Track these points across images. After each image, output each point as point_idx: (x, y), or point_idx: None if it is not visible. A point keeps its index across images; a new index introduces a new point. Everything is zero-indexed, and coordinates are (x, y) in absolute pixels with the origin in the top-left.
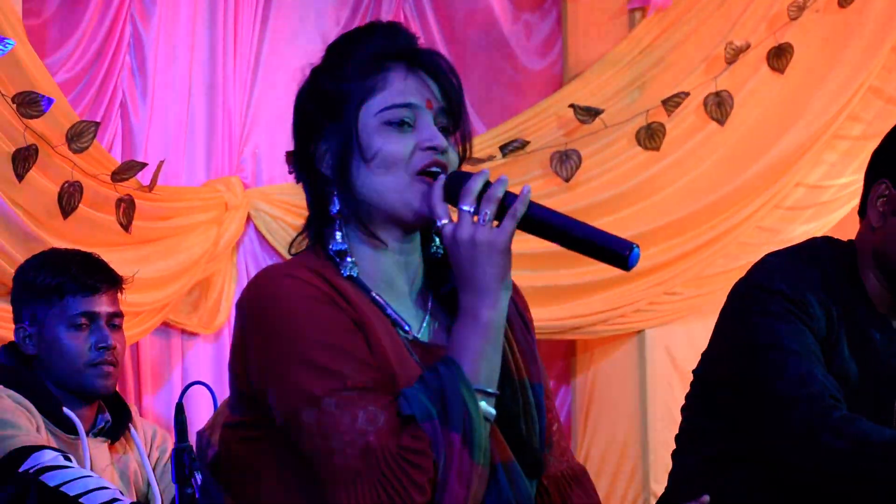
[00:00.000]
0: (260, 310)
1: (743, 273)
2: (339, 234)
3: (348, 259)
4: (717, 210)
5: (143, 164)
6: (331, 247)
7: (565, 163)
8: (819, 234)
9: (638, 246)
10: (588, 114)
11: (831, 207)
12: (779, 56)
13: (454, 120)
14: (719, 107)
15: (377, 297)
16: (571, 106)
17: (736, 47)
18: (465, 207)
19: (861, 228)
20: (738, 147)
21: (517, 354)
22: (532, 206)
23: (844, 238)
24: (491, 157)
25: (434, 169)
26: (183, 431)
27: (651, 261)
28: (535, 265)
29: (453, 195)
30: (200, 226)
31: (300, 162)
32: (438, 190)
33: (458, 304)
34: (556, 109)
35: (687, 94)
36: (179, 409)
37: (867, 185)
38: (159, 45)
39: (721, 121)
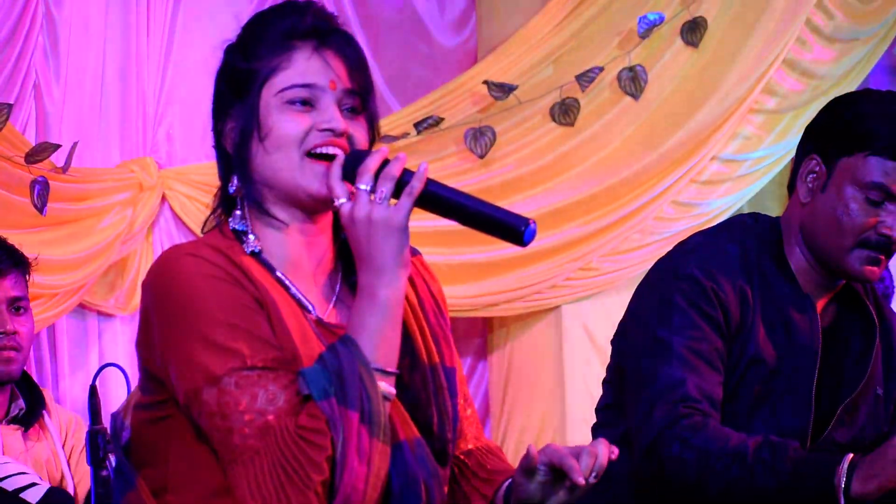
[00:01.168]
0: (161, 289)
1: (658, 247)
2: (238, 213)
3: (250, 236)
4: (632, 185)
5: (57, 146)
6: (231, 225)
7: (480, 139)
8: (735, 208)
9: (534, 222)
10: (502, 90)
11: (747, 181)
12: (692, 30)
13: (362, 102)
14: (633, 81)
15: (281, 277)
16: (485, 82)
17: (649, 21)
18: (363, 186)
19: (789, 204)
20: (653, 122)
21: (429, 338)
22: (430, 183)
23: (761, 211)
24: (405, 135)
25: (327, 150)
26: (96, 414)
27: (567, 236)
28: (450, 243)
29: (351, 174)
30: (115, 207)
31: (214, 140)
32: (337, 169)
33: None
34: (470, 86)
35: (601, 70)
36: (93, 392)
37: (797, 161)
38: (72, 26)
39: (635, 95)
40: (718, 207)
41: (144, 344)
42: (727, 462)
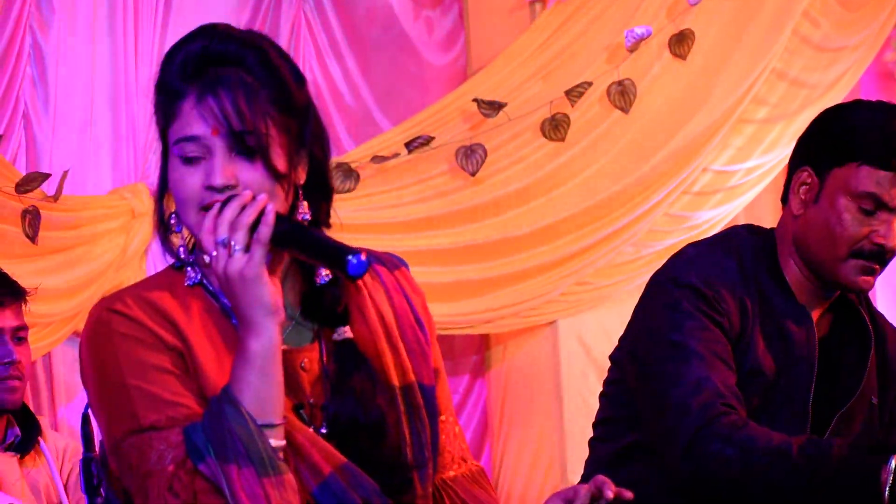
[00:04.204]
0: (83, 343)
1: (652, 259)
2: (181, 249)
3: (189, 271)
4: (625, 198)
5: (47, 175)
6: (180, 253)
7: (471, 157)
8: (727, 219)
9: (363, 256)
10: (492, 107)
11: (739, 191)
12: (680, 42)
13: (257, 140)
14: (623, 95)
15: (226, 304)
16: (475, 100)
17: (637, 35)
18: (219, 238)
19: (783, 216)
20: (644, 134)
21: (404, 357)
22: (281, 223)
23: (755, 222)
24: (396, 155)
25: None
26: (89, 441)
27: (561, 251)
28: (445, 261)
29: None
30: (108, 234)
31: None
32: (208, 222)
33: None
34: (459, 104)
35: (590, 84)
36: (85, 419)
37: (790, 173)
38: (60, 55)
39: (625, 109)
40: (711, 218)
41: None
42: (771, 459)
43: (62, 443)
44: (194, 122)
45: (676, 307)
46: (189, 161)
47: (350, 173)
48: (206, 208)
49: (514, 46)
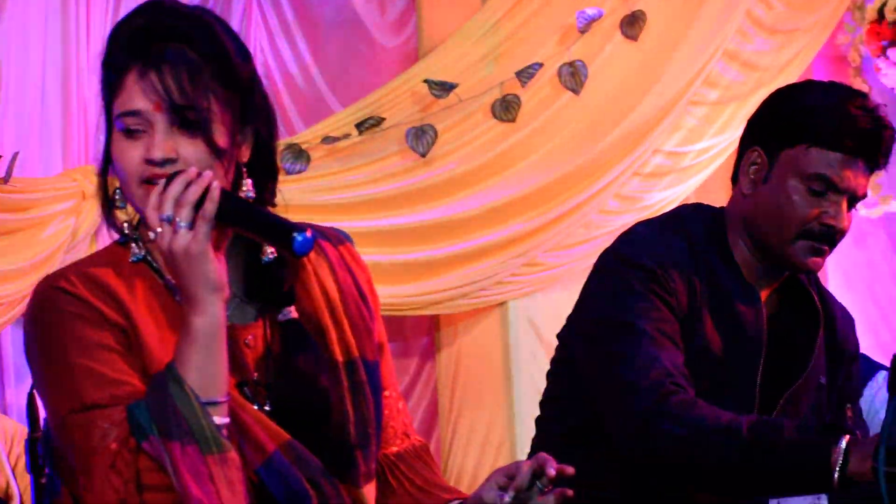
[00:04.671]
0: (27, 320)
1: (603, 241)
2: (126, 225)
3: (134, 247)
4: (575, 179)
5: None
6: (126, 231)
7: (421, 138)
8: (679, 200)
9: (309, 233)
10: (442, 88)
11: (690, 173)
12: (632, 24)
13: (197, 113)
14: (573, 76)
15: (169, 280)
16: (426, 81)
17: (588, 16)
18: (163, 215)
19: (732, 195)
20: (595, 116)
21: (348, 332)
22: (227, 201)
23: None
24: (347, 136)
25: (155, 182)
26: (35, 421)
27: (511, 232)
28: (395, 242)
29: None
30: (58, 216)
31: None
32: (154, 198)
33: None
34: (410, 85)
35: (541, 66)
36: (31, 399)
37: (740, 153)
38: (11, 37)
39: (576, 90)
40: (662, 199)
41: None
42: (721, 438)
43: (10, 426)
44: (136, 97)
45: (626, 287)
46: (130, 135)
47: (300, 154)
48: (147, 181)
49: (466, 28)
